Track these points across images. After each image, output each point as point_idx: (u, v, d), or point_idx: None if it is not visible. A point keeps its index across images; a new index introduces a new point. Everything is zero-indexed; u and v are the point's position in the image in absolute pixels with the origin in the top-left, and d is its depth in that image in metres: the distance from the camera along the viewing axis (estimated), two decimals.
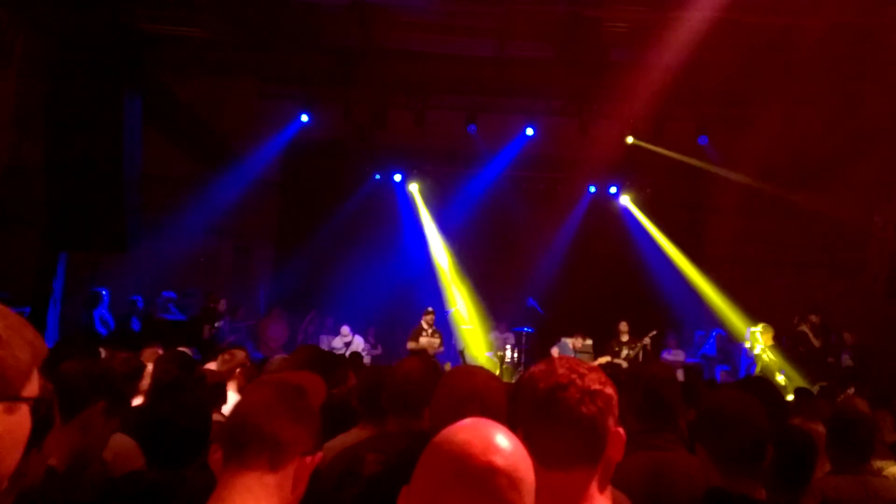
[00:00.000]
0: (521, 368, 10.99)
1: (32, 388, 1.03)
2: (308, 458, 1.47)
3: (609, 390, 1.42)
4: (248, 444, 1.41)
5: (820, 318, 9.74)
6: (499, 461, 1.02)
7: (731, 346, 11.05)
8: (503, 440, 1.06)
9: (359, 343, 11.44)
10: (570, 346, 10.91)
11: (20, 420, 1.02)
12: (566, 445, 1.37)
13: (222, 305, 11.06)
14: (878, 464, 3.26)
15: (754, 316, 10.40)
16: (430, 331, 10.63)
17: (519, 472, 1.04)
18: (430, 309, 10.82)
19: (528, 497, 1.04)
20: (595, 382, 1.41)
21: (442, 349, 10.64)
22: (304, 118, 11.68)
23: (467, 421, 1.11)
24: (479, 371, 2.10)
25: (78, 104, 7.78)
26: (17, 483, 1.47)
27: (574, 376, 1.40)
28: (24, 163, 8.63)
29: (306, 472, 1.47)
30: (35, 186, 7.96)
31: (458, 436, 1.06)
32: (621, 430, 1.43)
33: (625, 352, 10.34)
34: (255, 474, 1.39)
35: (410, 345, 10.42)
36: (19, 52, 7.98)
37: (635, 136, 11.50)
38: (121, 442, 2.53)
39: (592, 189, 13.31)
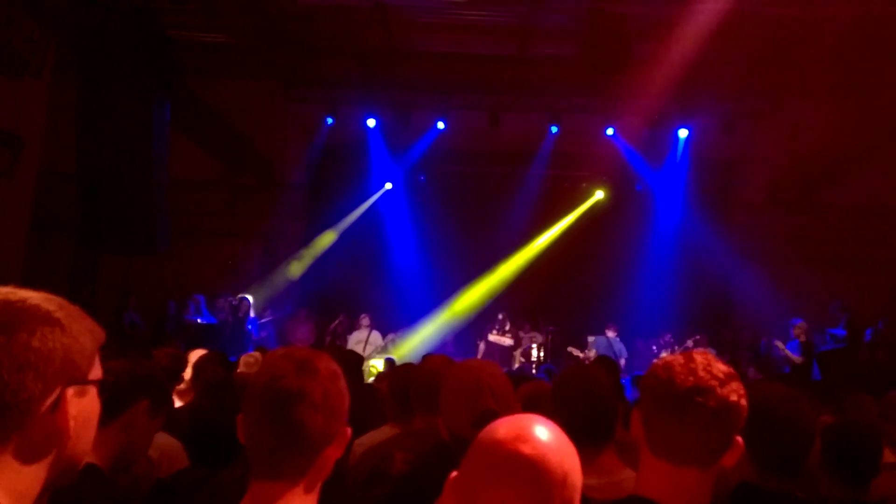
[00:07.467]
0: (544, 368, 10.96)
1: (97, 371, 1.09)
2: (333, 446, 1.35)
3: (743, 402, 1.43)
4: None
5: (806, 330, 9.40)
6: (526, 450, 1.04)
7: (765, 344, 10.86)
8: (542, 432, 1.08)
9: (376, 338, 11.09)
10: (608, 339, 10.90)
11: (91, 402, 1.09)
12: (686, 446, 1.40)
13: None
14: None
15: (785, 312, 10.22)
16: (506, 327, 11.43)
17: (551, 463, 1.05)
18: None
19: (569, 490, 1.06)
20: (733, 394, 1.41)
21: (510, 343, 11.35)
22: (330, 121, 11.80)
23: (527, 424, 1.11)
24: (476, 363, 2.07)
25: (108, 110, 7.89)
26: (54, 480, 1.51)
27: (714, 383, 1.40)
28: (58, 168, 8.81)
29: (332, 459, 1.36)
30: (69, 192, 8.11)
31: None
32: (739, 438, 1.44)
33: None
34: (285, 483, 1.30)
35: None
36: (51, 61, 8.15)
37: (660, 132, 11.40)
38: (166, 442, 2.57)
39: (618, 186, 13.20)
